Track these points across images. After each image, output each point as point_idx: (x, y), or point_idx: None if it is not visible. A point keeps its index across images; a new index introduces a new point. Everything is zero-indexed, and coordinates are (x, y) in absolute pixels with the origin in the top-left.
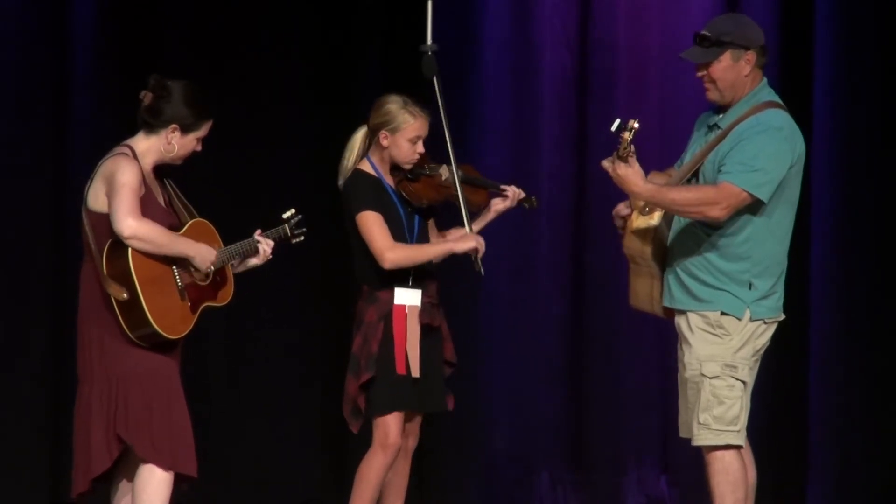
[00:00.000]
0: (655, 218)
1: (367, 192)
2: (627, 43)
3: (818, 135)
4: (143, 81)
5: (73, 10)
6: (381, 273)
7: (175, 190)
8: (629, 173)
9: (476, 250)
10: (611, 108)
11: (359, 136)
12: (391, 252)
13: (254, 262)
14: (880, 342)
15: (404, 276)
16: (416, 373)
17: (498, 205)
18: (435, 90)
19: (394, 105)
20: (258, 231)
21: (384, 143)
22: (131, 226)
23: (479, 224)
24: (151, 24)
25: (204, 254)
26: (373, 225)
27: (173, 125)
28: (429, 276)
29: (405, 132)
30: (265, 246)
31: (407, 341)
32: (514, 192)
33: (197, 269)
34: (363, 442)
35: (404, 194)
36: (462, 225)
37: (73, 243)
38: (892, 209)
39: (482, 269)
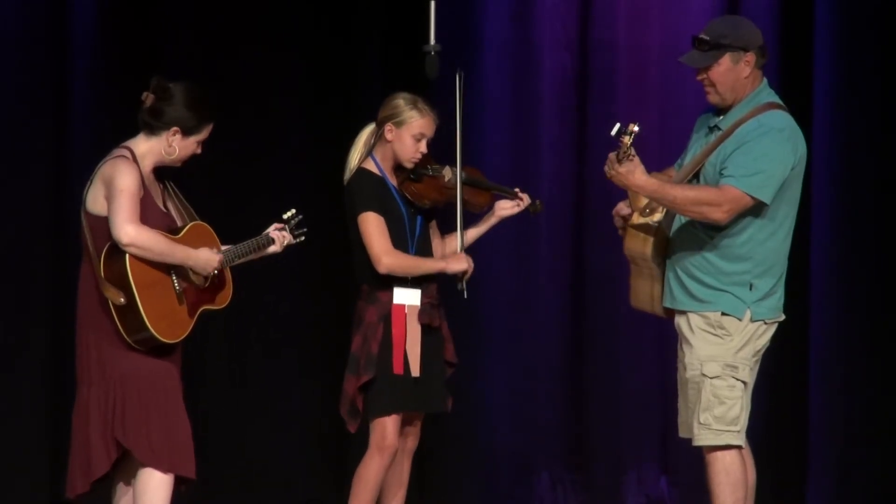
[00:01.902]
0: (656, 219)
1: (371, 192)
2: (627, 43)
3: (818, 135)
4: (143, 82)
5: (73, 11)
6: (381, 273)
7: (175, 191)
8: (631, 167)
9: (465, 272)
10: (611, 108)
11: (365, 133)
12: (388, 257)
13: (272, 249)
14: (880, 342)
15: (403, 282)
16: (415, 372)
17: (503, 210)
18: (455, 90)
19: (402, 100)
20: (275, 225)
21: (389, 136)
22: (129, 233)
23: (481, 228)
24: (151, 24)
25: (204, 260)
26: (373, 227)
27: (174, 128)
28: (428, 277)
29: (410, 127)
30: (280, 234)
31: (406, 341)
32: (523, 198)
33: (197, 274)
34: (363, 442)
35: (407, 195)
36: (455, 228)
37: (73, 244)
38: (892, 209)
39: (465, 292)
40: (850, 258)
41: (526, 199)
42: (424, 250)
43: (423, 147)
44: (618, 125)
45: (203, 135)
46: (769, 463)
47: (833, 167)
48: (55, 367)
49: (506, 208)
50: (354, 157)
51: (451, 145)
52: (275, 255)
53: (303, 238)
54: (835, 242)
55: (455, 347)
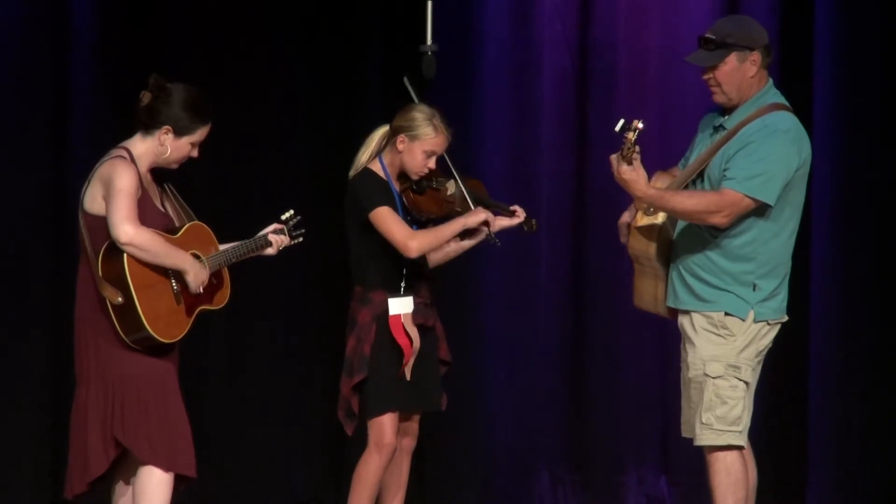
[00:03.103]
0: (659, 218)
1: (377, 191)
2: (627, 43)
3: (818, 135)
4: (143, 82)
5: (74, 11)
6: (375, 274)
7: (173, 192)
8: (633, 177)
9: (486, 222)
10: (611, 108)
11: (378, 134)
12: (413, 240)
13: (269, 251)
14: (880, 342)
15: (396, 283)
16: (407, 376)
17: (500, 222)
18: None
19: (421, 114)
20: (273, 225)
21: (400, 146)
22: (128, 233)
23: (477, 238)
24: (151, 24)
25: (198, 272)
26: (389, 219)
27: (167, 126)
28: (421, 279)
29: (423, 143)
30: (277, 237)
31: (412, 347)
32: (519, 212)
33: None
34: (362, 442)
35: (406, 203)
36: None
37: (72, 244)
38: (892, 209)
39: (497, 241)
40: (850, 258)
41: (521, 213)
42: (419, 256)
43: (431, 163)
44: (622, 121)
45: (196, 136)
46: (769, 463)
47: (833, 167)
48: (55, 367)
49: (501, 220)
50: (364, 155)
51: (454, 143)
52: (275, 255)
53: (300, 239)
54: (835, 242)
55: (452, 347)
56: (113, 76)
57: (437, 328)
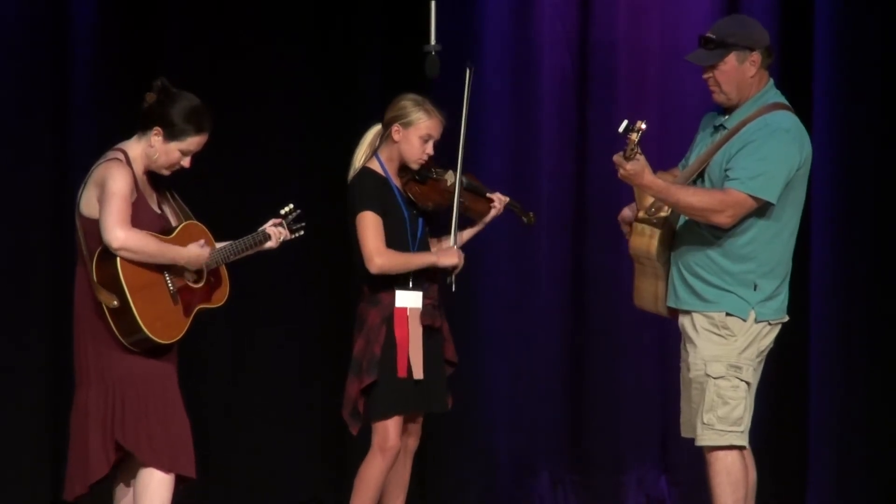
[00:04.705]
0: (661, 218)
1: (373, 191)
2: (627, 43)
3: (818, 135)
4: (143, 82)
5: (74, 11)
6: (383, 274)
7: (172, 194)
8: (637, 168)
9: (456, 267)
10: (611, 108)
11: (371, 133)
12: (380, 257)
13: (269, 244)
14: (880, 343)
15: (405, 277)
16: (418, 375)
17: (492, 213)
18: (465, 83)
19: (410, 101)
20: (272, 220)
21: (396, 137)
22: (119, 237)
23: (468, 233)
24: (152, 23)
25: (194, 256)
26: (369, 227)
27: (157, 127)
28: (429, 278)
29: (418, 128)
30: (276, 230)
31: (409, 344)
32: (499, 200)
33: (191, 271)
34: (363, 442)
35: (410, 196)
36: (449, 229)
37: (72, 244)
38: (892, 209)
39: (454, 285)
40: (849, 258)
41: (497, 200)
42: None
43: (429, 148)
44: (625, 122)
45: (185, 145)
46: (769, 463)
47: (833, 167)
48: (55, 367)
49: (493, 213)
50: (359, 157)
51: (453, 143)
52: (276, 254)
53: (301, 233)
54: (835, 242)
55: (455, 347)
56: (113, 76)
57: (443, 329)
